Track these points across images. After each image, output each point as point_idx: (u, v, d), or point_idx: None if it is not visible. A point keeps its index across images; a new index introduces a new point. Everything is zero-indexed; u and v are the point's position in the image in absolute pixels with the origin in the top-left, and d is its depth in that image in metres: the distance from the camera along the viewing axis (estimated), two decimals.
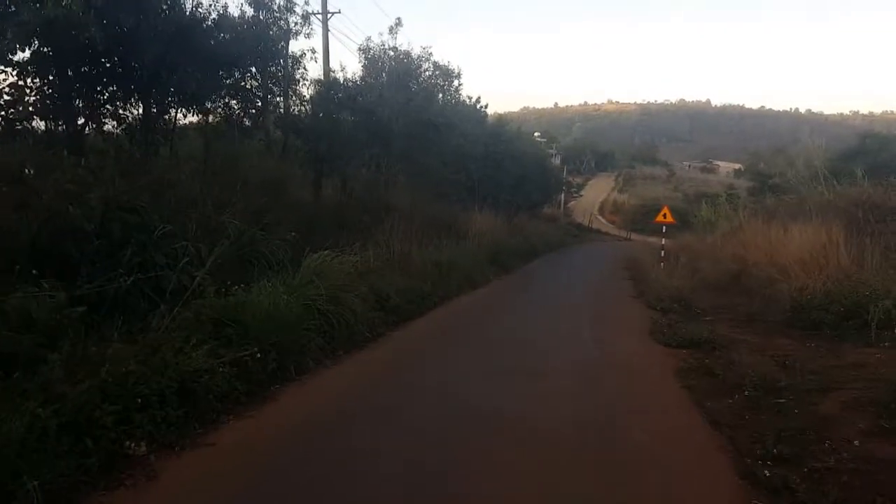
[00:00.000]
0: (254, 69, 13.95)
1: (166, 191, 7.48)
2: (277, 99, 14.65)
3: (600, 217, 62.72)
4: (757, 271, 12.72)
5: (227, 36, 12.49)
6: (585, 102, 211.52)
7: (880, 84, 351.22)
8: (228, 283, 5.74)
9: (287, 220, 9.87)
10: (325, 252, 7.30)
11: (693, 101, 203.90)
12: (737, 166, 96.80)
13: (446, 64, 18.89)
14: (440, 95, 18.22)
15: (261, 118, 13.87)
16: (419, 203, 14.43)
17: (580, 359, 7.04)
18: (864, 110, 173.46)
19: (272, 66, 13.85)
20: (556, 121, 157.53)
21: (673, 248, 21.79)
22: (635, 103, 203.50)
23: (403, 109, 13.55)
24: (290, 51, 14.32)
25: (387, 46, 17.44)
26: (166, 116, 9.68)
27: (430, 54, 17.77)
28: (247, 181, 9.50)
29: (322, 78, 16.19)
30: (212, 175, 9.10)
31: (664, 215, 21.96)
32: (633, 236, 47.12)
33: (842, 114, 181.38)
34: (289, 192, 11.82)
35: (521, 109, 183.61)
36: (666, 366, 6.59)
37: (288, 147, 14.87)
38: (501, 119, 29.03)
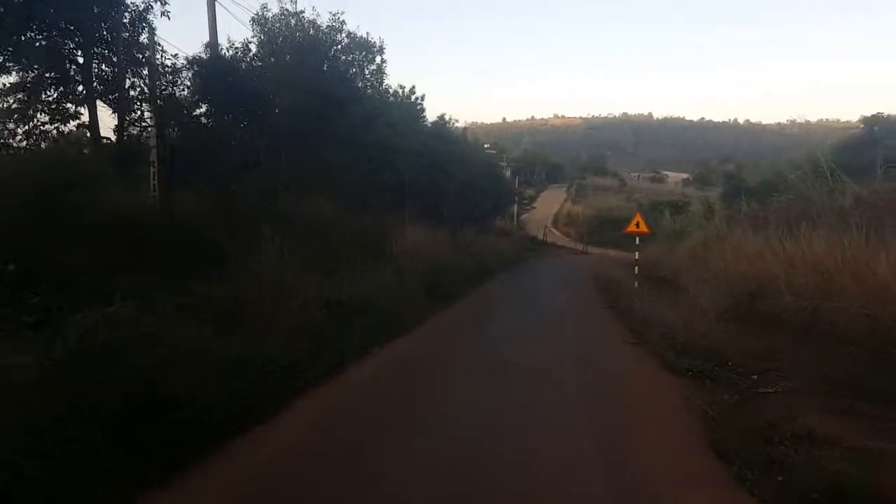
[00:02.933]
0: (73, 27, 9.67)
1: None
2: (115, 70, 10.33)
3: (554, 230, 59.64)
4: (790, 299, 9.10)
5: None
6: (532, 117, 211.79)
7: (815, 92, 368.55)
8: None
9: (63, 245, 5.69)
10: None
11: (636, 115, 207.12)
12: (685, 176, 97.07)
13: (365, 35, 14.82)
14: (357, 74, 14.06)
15: (78, 93, 9.53)
16: (324, 212, 10.28)
17: None
18: (800, 119, 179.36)
19: (98, 23, 9.56)
20: (505, 135, 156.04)
21: (642, 264, 18.44)
22: (580, 117, 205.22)
23: (289, 78, 9.38)
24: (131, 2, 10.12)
25: (287, 13, 13.32)
26: None
27: (343, 23, 13.69)
28: None
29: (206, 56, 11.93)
30: None
31: (637, 224, 18.40)
32: (591, 249, 43.85)
33: (779, 123, 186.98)
34: (96, 200, 7.49)
35: (470, 124, 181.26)
36: None
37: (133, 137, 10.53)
38: (445, 119, 24.82)
